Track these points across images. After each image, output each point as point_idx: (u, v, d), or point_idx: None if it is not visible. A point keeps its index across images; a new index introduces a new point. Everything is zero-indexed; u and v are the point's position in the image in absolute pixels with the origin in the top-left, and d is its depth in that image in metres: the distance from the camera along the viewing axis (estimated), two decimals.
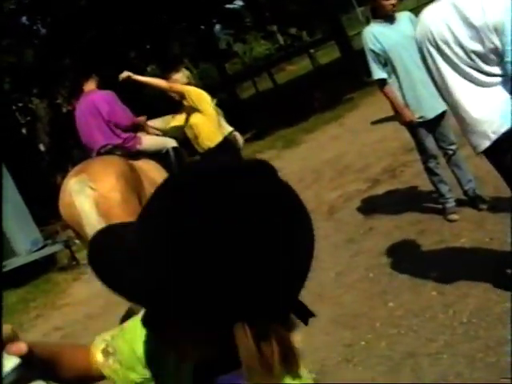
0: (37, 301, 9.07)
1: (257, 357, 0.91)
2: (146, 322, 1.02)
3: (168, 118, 6.93)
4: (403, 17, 5.43)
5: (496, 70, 3.34)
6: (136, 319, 1.25)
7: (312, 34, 29.20)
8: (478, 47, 3.30)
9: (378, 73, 5.35)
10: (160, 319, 0.96)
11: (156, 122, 6.82)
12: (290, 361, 0.95)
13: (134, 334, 1.25)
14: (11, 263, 10.11)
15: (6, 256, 10.15)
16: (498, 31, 3.17)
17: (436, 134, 5.39)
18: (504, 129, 3.35)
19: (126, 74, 6.53)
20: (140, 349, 1.24)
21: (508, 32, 3.14)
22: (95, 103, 6.28)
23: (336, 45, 21.09)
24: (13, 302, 8.94)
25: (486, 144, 3.46)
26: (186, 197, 0.88)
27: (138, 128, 6.50)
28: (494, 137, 3.39)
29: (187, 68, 6.99)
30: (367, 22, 5.55)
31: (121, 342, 1.28)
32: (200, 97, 6.57)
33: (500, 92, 3.36)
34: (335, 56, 23.53)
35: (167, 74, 6.82)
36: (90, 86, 6.45)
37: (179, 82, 6.45)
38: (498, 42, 3.21)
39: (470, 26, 3.29)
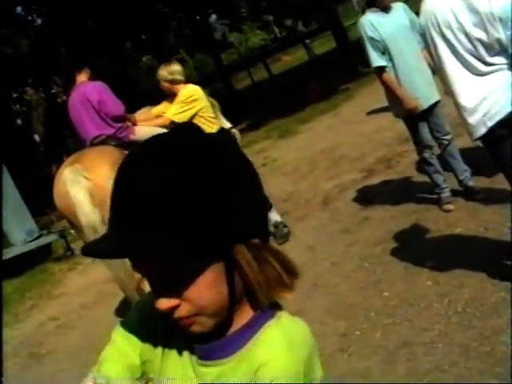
0: (32, 291, 9.07)
1: (261, 275, 1.05)
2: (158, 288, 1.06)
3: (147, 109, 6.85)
4: (398, 7, 5.43)
5: (497, 59, 3.33)
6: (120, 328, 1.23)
7: (308, 25, 29.09)
8: (482, 35, 3.29)
9: (378, 60, 5.28)
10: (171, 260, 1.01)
11: (142, 116, 6.72)
12: (291, 272, 1.09)
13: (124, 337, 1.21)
14: (6, 253, 10.11)
15: (2, 246, 10.14)
16: (503, 21, 3.17)
17: (431, 124, 5.38)
18: (500, 116, 3.35)
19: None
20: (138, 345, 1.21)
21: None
22: (86, 94, 6.27)
23: (332, 35, 21.03)
24: (8, 292, 8.93)
25: (482, 131, 3.45)
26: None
27: (129, 120, 6.47)
28: (490, 124, 3.39)
29: (181, 60, 6.83)
30: (363, 13, 5.52)
31: (108, 365, 1.20)
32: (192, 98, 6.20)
33: (498, 79, 3.35)
34: (331, 46, 23.47)
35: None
36: (82, 77, 6.44)
37: (161, 79, 6.24)
38: (502, 32, 3.20)
39: (475, 12, 3.27)
